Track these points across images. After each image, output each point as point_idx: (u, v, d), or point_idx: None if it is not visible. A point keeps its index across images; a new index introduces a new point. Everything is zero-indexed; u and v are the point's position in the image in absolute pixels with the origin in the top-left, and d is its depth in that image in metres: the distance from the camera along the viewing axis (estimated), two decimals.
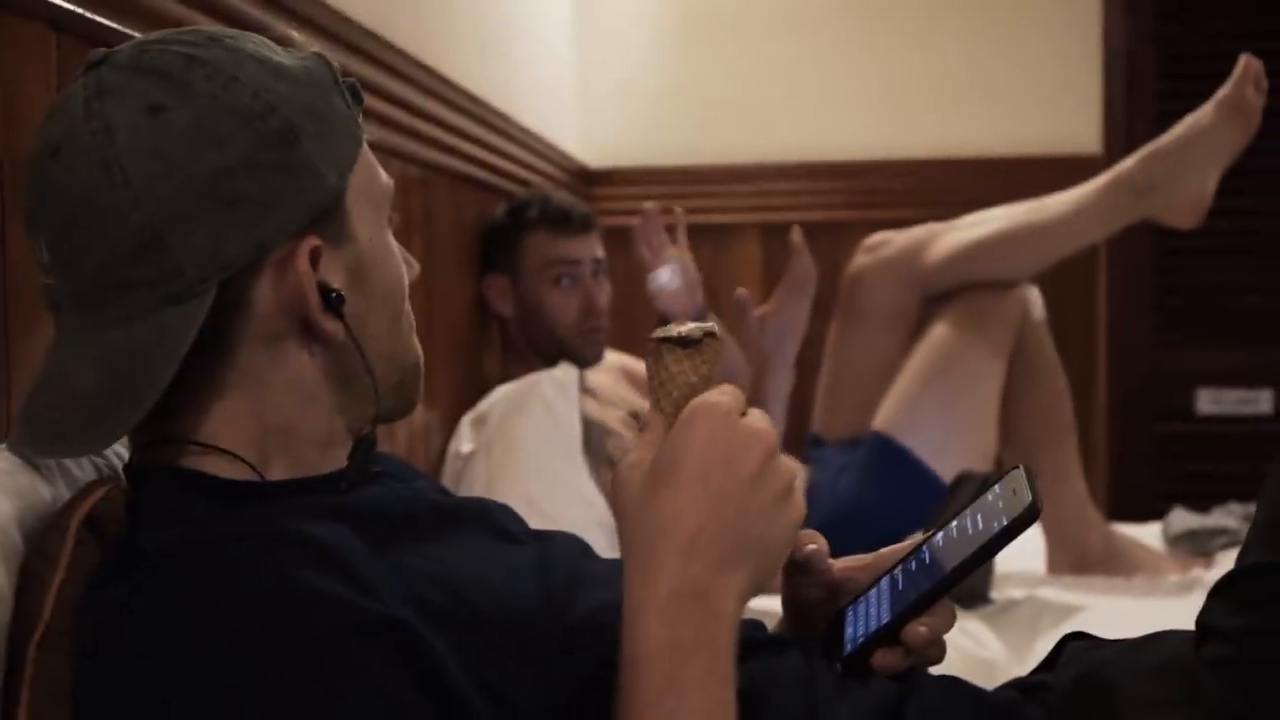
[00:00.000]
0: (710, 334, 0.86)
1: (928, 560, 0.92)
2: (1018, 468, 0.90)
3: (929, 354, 2.33)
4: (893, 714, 0.89)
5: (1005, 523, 0.87)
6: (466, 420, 2.18)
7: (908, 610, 0.90)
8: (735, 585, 0.80)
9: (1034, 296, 2.40)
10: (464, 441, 2.15)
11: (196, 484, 0.88)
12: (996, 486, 0.90)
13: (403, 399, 0.98)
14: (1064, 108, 3.33)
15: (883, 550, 0.98)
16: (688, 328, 0.86)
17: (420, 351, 1.00)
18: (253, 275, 0.87)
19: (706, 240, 3.42)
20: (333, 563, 0.80)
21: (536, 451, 2.10)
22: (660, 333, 0.87)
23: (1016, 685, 1.02)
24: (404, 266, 0.98)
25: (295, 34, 0.97)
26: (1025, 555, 2.48)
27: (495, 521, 0.99)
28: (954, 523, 0.93)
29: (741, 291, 2.06)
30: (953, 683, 0.95)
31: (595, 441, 2.19)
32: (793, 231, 2.10)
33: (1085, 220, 2.32)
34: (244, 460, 0.89)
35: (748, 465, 0.81)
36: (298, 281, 0.87)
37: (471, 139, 2.45)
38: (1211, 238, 3.23)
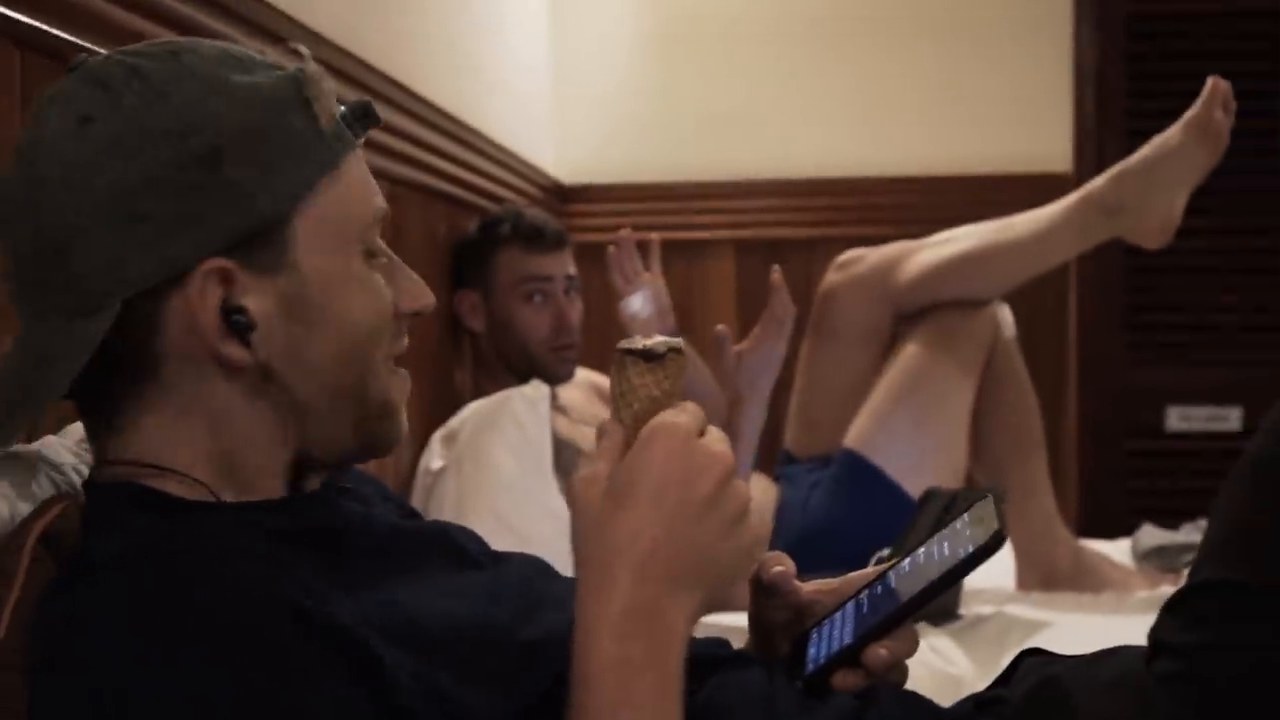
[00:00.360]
0: (675, 349, 0.86)
1: (893, 585, 0.93)
2: (986, 497, 0.91)
3: (900, 372, 2.34)
4: None
5: (970, 550, 0.88)
6: (437, 437, 2.18)
7: (869, 633, 0.91)
8: (687, 605, 0.81)
9: (1004, 314, 2.42)
10: (434, 458, 2.15)
11: (142, 499, 0.88)
12: (965, 515, 0.91)
13: (367, 438, 0.94)
14: (1036, 126, 3.35)
15: (850, 575, 0.99)
16: (654, 340, 0.86)
17: (395, 391, 0.95)
18: (165, 294, 0.86)
19: (681, 257, 3.43)
20: (283, 573, 0.81)
21: (507, 468, 2.10)
22: (625, 344, 0.87)
23: (974, 700, 1.03)
24: (380, 299, 0.93)
25: (303, 48, 0.94)
26: (995, 572, 2.48)
27: (454, 544, 0.99)
28: (921, 550, 0.94)
29: (720, 329, 2.07)
30: (911, 695, 0.96)
31: (566, 460, 2.19)
32: (773, 272, 2.11)
33: (1055, 239, 2.33)
34: (190, 477, 0.88)
35: (704, 487, 0.82)
36: (193, 304, 0.86)
37: (444, 155, 2.45)
38: (1181, 256, 3.25)
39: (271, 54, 0.93)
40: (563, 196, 3.42)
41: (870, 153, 3.41)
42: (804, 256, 3.34)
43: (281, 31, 1.71)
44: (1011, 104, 3.36)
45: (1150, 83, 3.27)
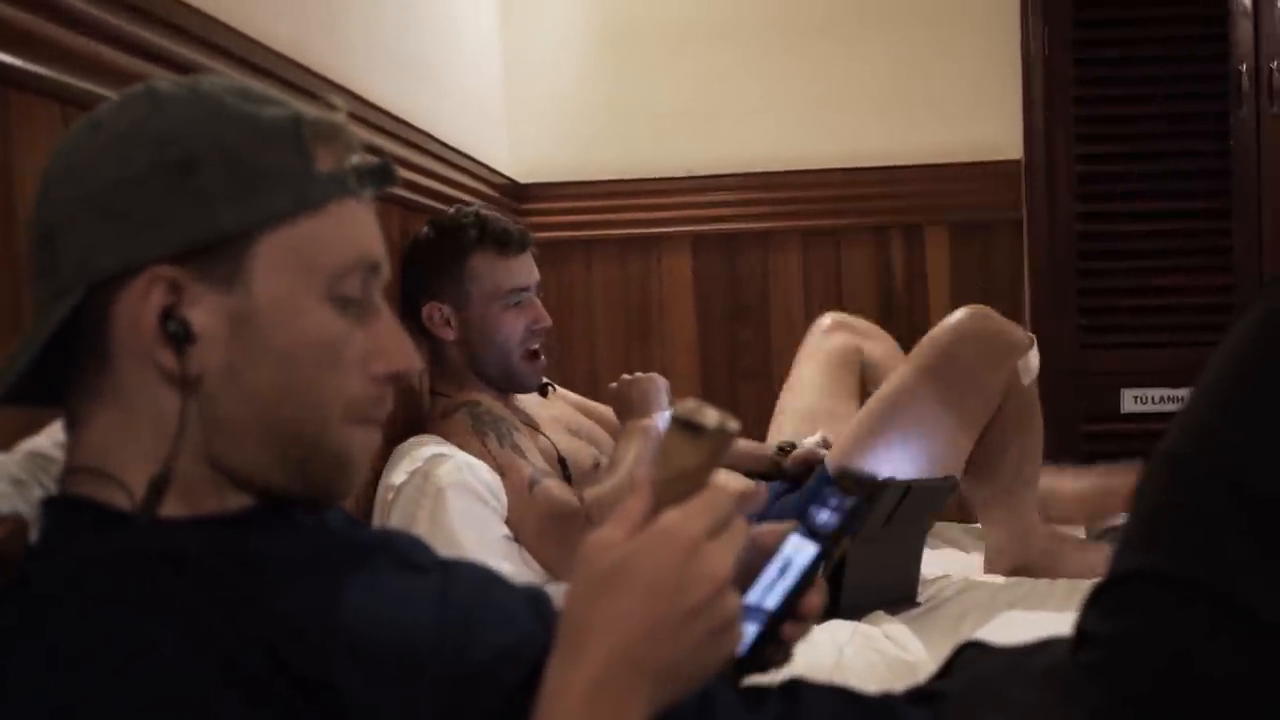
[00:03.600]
0: (722, 430, 0.85)
1: (789, 555, 0.96)
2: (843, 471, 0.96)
3: (891, 399, 2.38)
4: None
5: (850, 504, 0.93)
6: (401, 452, 2.19)
7: (785, 607, 0.93)
8: (650, 696, 0.82)
9: (1029, 361, 2.43)
10: (397, 473, 2.15)
11: (83, 515, 0.90)
12: (835, 491, 0.95)
13: (310, 483, 0.94)
14: (988, 114, 3.38)
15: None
16: (704, 414, 0.85)
17: (354, 446, 0.94)
18: (120, 290, 0.89)
19: (639, 251, 3.45)
20: (197, 597, 0.82)
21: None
22: (681, 409, 0.86)
23: (914, 693, 1.05)
24: (331, 343, 0.92)
25: (338, 101, 0.98)
26: (952, 560, 2.52)
27: (399, 551, 0.99)
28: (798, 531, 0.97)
29: None
30: (833, 690, 0.98)
31: (503, 432, 2.23)
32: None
33: None
34: (128, 489, 0.89)
35: (694, 596, 0.82)
36: (136, 304, 0.89)
37: (397, 160, 2.43)
38: (1132, 240, 3.30)
39: (313, 106, 0.96)
40: (518, 195, 3.43)
41: (824, 145, 3.43)
42: (760, 248, 3.37)
43: (228, 45, 1.71)
44: (963, 93, 3.38)
45: (1096, 68, 3.30)
